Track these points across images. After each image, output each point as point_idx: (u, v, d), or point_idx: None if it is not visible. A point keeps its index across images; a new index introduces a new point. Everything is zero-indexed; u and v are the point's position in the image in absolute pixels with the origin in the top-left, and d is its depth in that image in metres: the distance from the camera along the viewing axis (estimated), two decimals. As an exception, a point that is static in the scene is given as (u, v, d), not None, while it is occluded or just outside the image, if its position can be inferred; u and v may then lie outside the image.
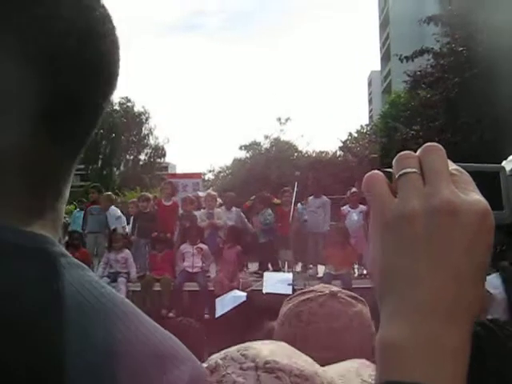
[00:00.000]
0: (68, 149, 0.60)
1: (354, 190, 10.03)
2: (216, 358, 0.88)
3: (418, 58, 17.37)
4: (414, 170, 0.53)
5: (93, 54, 0.59)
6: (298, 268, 9.95)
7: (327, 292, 1.28)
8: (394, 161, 0.55)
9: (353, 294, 1.33)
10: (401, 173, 0.53)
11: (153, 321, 0.61)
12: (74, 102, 0.58)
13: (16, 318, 0.50)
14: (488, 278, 6.98)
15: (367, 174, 0.55)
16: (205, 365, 0.85)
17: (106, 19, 0.61)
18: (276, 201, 10.49)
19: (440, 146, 0.54)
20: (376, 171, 0.55)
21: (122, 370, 0.53)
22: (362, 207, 9.72)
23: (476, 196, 0.52)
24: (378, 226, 0.54)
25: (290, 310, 1.27)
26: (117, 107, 36.05)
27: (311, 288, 1.34)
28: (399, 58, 17.63)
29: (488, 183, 0.58)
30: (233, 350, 0.89)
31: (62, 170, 0.61)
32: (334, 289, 1.31)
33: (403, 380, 0.47)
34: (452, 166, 0.54)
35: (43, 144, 0.57)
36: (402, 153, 0.55)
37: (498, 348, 0.90)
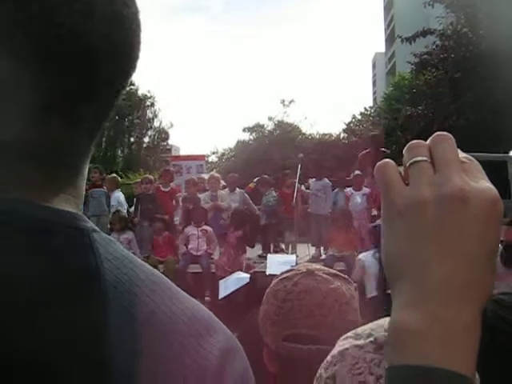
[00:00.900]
0: (84, 129, 0.61)
1: (357, 172, 10.02)
2: (375, 333, 0.88)
3: (420, 38, 17.28)
4: (424, 158, 0.54)
5: (116, 35, 0.59)
6: (302, 250, 9.98)
7: (304, 270, 1.30)
8: (404, 150, 0.56)
9: (335, 271, 1.36)
10: (411, 161, 0.54)
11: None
12: (92, 82, 0.58)
13: (58, 296, 0.51)
14: (365, 254, 7.78)
15: (378, 163, 0.56)
16: (369, 339, 0.86)
17: (131, 2, 0.61)
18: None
19: (450, 135, 0.55)
20: (387, 160, 0.56)
21: (160, 340, 0.55)
22: (365, 190, 9.72)
23: (486, 183, 0.53)
24: (389, 214, 0.55)
25: (270, 289, 1.30)
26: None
27: (292, 268, 1.36)
28: (401, 39, 17.56)
29: (496, 172, 0.59)
30: (382, 325, 0.90)
31: (80, 150, 0.62)
32: (313, 267, 1.34)
33: (416, 364, 0.48)
34: (462, 154, 0.55)
35: (58, 124, 0.57)
36: (413, 142, 0.56)
37: (508, 326, 0.92)
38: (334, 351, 0.89)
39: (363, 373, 0.82)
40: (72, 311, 0.51)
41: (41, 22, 0.54)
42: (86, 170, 0.64)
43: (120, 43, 0.60)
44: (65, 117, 0.58)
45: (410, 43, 17.26)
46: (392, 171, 0.55)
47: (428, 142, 0.56)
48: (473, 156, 0.56)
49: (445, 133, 0.55)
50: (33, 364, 0.48)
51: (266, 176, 10.80)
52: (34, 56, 0.54)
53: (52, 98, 0.56)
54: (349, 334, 0.90)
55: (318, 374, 1.10)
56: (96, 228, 0.58)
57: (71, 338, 0.50)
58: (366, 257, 7.61)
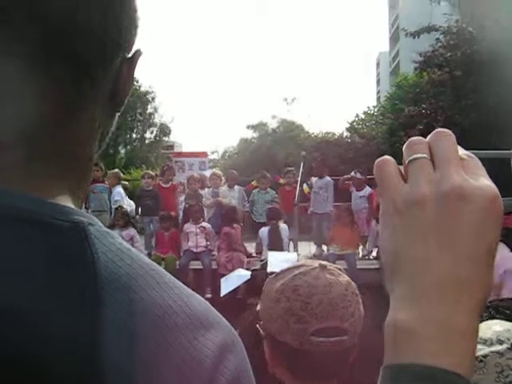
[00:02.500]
0: (85, 120, 0.60)
1: (352, 173, 10.04)
2: (503, 338, 0.88)
3: (425, 34, 17.33)
4: (423, 155, 0.53)
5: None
6: (303, 248, 9.97)
7: (317, 265, 1.32)
8: (403, 147, 0.55)
9: (338, 266, 1.38)
10: (411, 158, 0.54)
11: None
12: (92, 63, 0.58)
13: (57, 292, 0.50)
14: (264, 228, 9.22)
15: (377, 160, 0.56)
16: (505, 345, 0.87)
17: None
18: (281, 181, 10.52)
19: (450, 131, 0.54)
20: (386, 157, 0.56)
21: (155, 335, 0.53)
22: (366, 188, 9.73)
23: (485, 181, 0.52)
24: (388, 212, 0.54)
25: (285, 286, 1.29)
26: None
27: (298, 264, 1.36)
28: (405, 34, 17.67)
29: (499, 169, 0.58)
30: (509, 329, 0.91)
31: (80, 144, 0.60)
32: (321, 262, 1.35)
33: (414, 362, 0.48)
34: (462, 151, 0.54)
35: (52, 113, 0.56)
36: (412, 139, 0.56)
37: None
38: None
39: None
40: (65, 306, 0.50)
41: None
42: (91, 165, 0.63)
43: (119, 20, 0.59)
44: (60, 105, 0.56)
45: (414, 37, 17.33)
46: (391, 168, 0.55)
47: (428, 138, 0.55)
48: (475, 153, 0.55)
49: (445, 129, 0.55)
50: (24, 367, 0.47)
51: (265, 173, 10.69)
52: (30, 39, 0.53)
53: (48, 85, 0.55)
54: None
55: None
56: (93, 221, 0.56)
57: (65, 339, 0.49)
58: (263, 232, 9.27)
